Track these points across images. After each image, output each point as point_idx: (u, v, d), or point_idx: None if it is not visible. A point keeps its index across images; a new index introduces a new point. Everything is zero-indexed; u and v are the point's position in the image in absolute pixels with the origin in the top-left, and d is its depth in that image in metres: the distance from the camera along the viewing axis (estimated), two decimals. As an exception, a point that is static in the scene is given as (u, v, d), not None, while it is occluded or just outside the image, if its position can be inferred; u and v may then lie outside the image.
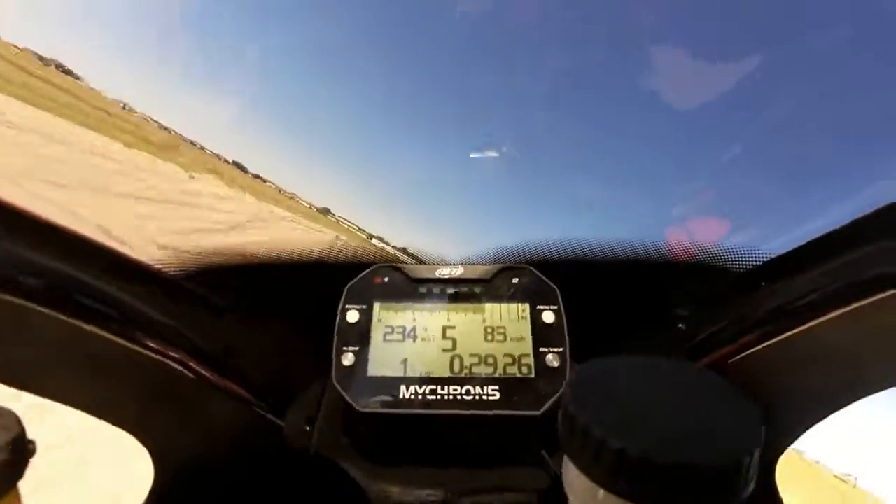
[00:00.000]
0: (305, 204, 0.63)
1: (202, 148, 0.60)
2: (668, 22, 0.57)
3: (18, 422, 0.34)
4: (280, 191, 0.63)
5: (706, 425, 0.25)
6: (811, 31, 0.54)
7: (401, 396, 0.49)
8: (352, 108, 0.63)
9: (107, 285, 0.44)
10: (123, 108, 0.59)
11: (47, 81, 0.57)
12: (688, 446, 0.24)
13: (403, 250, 0.59)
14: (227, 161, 0.61)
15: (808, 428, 0.51)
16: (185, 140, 0.60)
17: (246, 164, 0.61)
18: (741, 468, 0.23)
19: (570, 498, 0.28)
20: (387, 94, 0.62)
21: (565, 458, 0.28)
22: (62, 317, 0.39)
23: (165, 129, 0.60)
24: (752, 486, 0.24)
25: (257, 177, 0.63)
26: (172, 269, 0.54)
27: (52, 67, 0.56)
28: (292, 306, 0.62)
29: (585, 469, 0.25)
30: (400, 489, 0.53)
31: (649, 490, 0.23)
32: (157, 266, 0.53)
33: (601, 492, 0.25)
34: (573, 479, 0.27)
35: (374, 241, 0.62)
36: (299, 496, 0.58)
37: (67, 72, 0.57)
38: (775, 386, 0.48)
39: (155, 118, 0.60)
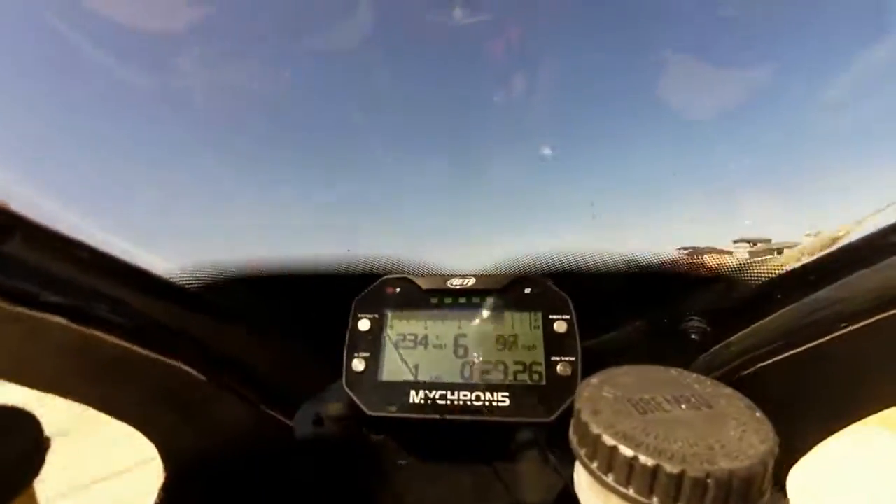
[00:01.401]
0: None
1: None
2: (677, 28, 0.57)
3: (36, 422, 0.34)
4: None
5: (719, 435, 0.25)
6: (822, 35, 0.54)
7: (411, 401, 0.49)
8: (360, 118, 0.64)
9: (122, 295, 0.46)
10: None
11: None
12: (701, 455, 0.24)
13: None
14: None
15: (816, 443, 0.50)
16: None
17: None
18: (755, 479, 0.23)
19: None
20: (395, 99, 0.62)
21: (577, 465, 0.28)
22: (79, 327, 0.40)
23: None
24: (766, 498, 0.24)
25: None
26: (185, 281, 0.55)
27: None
28: (303, 316, 0.62)
29: (598, 476, 0.25)
30: (408, 493, 0.53)
31: (661, 498, 0.23)
32: (170, 278, 0.54)
33: (613, 499, 0.25)
34: (585, 486, 0.28)
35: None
36: (308, 497, 0.58)
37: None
38: (786, 401, 0.47)
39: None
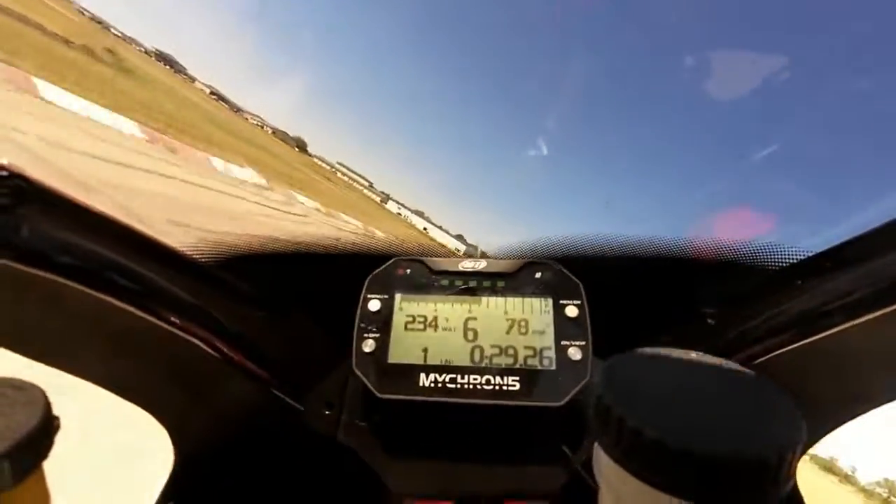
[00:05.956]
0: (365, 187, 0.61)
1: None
2: (702, 22, 0.56)
3: (45, 397, 0.33)
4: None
5: (744, 418, 0.25)
6: (846, 28, 0.53)
7: (420, 384, 0.49)
8: (398, 110, 0.62)
9: (137, 265, 0.45)
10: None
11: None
12: (728, 438, 0.23)
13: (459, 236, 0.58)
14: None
15: (830, 430, 0.50)
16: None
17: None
18: (784, 462, 0.22)
19: (601, 487, 0.28)
20: (437, 95, 0.61)
21: (596, 447, 0.28)
22: (93, 293, 0.40)
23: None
24: (791, 482, 0.23)
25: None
26: (202, 255, 0.55)
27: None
28: (316, 295, 0.62)
29: (620, 459, 0.25)
30: (416, 477, 0.53)
31: (687, 481, 0.23)
32: (186, 252, 0.53)
33: (634, 481, 0.24)
34: (605, 468, 0.27)
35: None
36: (317, 480, 0.58)
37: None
38: (802, 388, 0.47)
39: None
